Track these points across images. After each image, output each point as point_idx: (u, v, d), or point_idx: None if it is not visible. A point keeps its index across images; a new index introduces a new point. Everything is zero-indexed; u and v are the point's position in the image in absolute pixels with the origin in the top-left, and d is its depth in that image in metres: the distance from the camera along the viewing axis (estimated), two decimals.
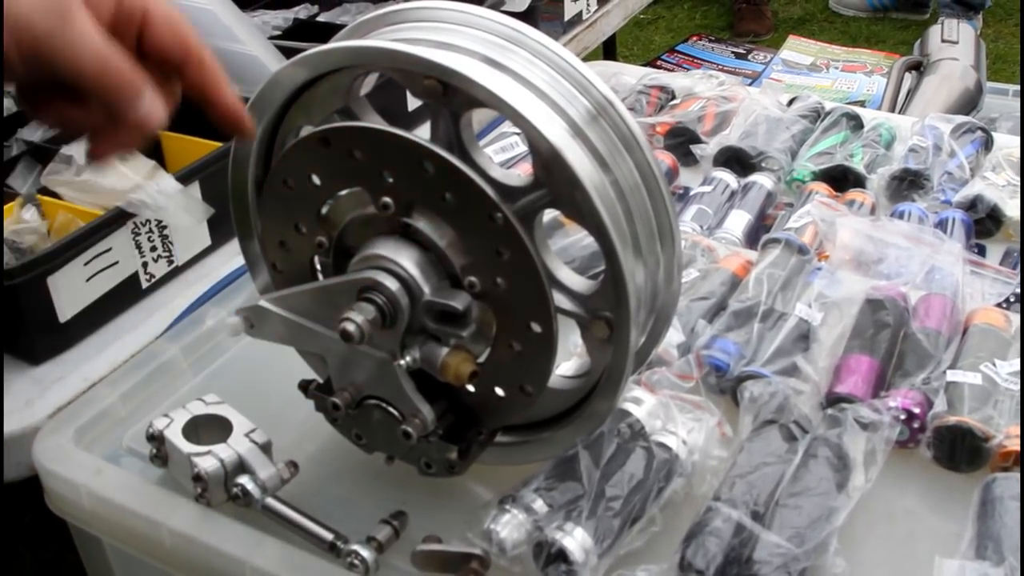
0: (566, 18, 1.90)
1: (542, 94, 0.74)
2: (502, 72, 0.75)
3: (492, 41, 0.77)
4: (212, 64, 0.73)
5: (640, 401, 0.89)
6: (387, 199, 0.75)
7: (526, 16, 1.70)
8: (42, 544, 1.32)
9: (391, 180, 0.75)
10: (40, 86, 0.68)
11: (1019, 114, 2.11)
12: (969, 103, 2.12)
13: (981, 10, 3.97)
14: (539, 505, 0.80)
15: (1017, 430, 0.87)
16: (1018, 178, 1.29)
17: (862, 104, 2.70)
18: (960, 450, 0.88)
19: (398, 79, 0.75)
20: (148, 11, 0.70)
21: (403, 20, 0.80)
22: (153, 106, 0.68)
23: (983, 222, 1.24)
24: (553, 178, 0.72)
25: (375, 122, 0.79)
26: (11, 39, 0.62)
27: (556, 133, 0.71)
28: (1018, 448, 0.86)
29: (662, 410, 0.89)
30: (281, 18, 1.67)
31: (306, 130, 0.80)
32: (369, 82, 0.80)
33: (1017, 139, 1.40)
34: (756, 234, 1.23)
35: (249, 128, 0.77)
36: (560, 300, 0.76)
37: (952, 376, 0.92)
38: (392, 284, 0.76)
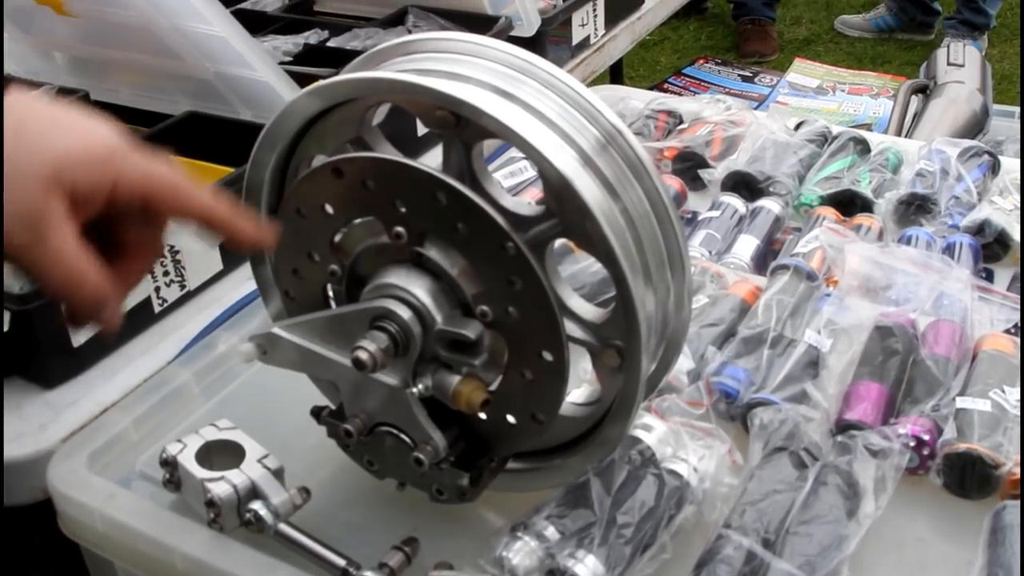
0: (574, 42, 1.90)
1: (552, 124, 0.75)
2: (512, 102, 0.75)
3: (502, 72, 0.78)
4: (221, 213, 0.73)
5: (651, 428, 0.89)
6: (400, 229, 0.76)
7: (534, 41, 1.71)
8: (52, 566, 1.32)
9: (404, 210, 0.75)
10: None
11: None
12: (976, 126, 2.12)
13: (986, 31, 3.98)
14: (551, 532, 0.80)
15: None
16: None
17: (868, 127, 2.71)
18: (970, 477, 0.88)
19: (410, 109, 0.76)
20: (149, 195, 0.69)
21: (415, 51, 0.81)
22: (111, 316, 0.69)
23: (991, 246, 1.24)
24: (564, 207, 0.73)
25: (388, 151, 0.80)
26: None
27: (566, 163, 0.72)
28: None
29: (673, 437, 0.89)
30: (291, 43, 1.68)
31: (319, 159, 0.81)
32: (382, 112, 0.81)
33: None
34: (764, 259, 1.23)
35: (267, 240, 0.78)
36: (571, 329, 0.76)
37: (962, 403, 0.93)
38: (405, 313, 0.76)
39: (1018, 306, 1.09)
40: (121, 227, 0.69)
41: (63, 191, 0.64)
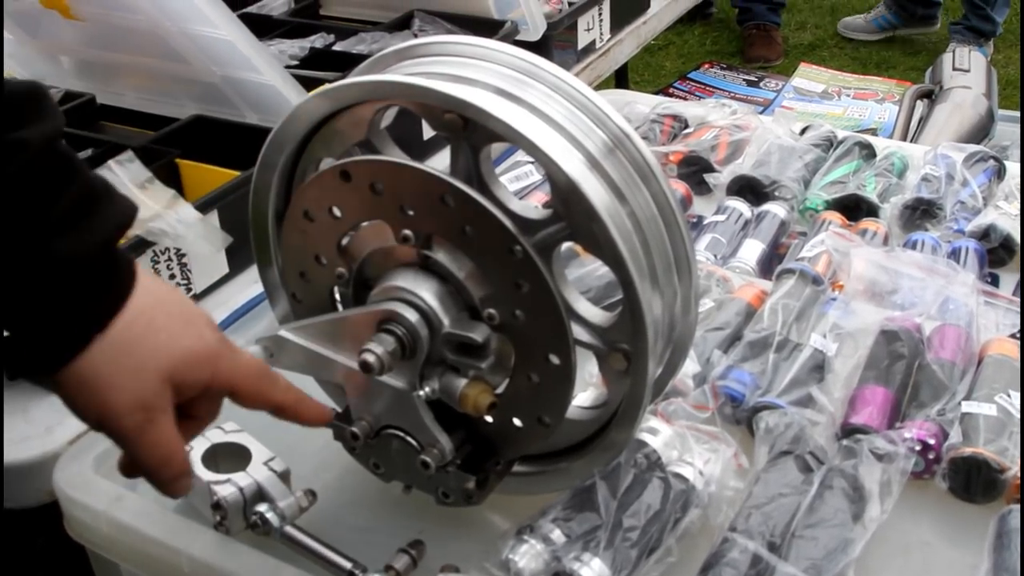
0: (580, 47, 1.91)
1: (559, 127, 0.75)
2: (520, 106, 0.76)
3: (510, 75, 0.78)
4: (293, 404, 0.79)
5: (656, 431, 0.89)
6: (407, 232, 0.76)
7: (540, 45, 1.71)
8: (59, 569, 1.32)
9: (411, 213, 0.76)
10: None
11: None
12: (981, 131, 2.12)
13: (992, 37, 3.98)
14: (557, 535, 0.80)
15: None
16: None
17: (874, 132, 2.71)
18: (975, 481, 0.88)
19: (418, 113, 0.76)
20: (234, 390, 0.76)
21: (423, 54, 0.81)
22: (179, 487, 0.74)
23: (996, 251, 1.24)
24: (571, 210, 0.73)
25: (395, 155, 0.80)
26: (95, 420, 0.68)
27: (574, 166, 0.72)
28: None
29: (678, 441, 0.89)
30: (297, 47, 1.68)
31: (327, 163, 0.81)
32: (389, 115, 0.81)
33: None
34: (769, 263, 1.23)
35: (328, 418, 0.82)
36: (578, 332, 0.77)
37: (967, 407, 0.93)
38: (412, 316, 0.76)
39: None
40: (195, 401, 0.74)
41: (173, 386, 0.70)
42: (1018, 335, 1.06)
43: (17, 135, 0.61)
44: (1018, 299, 1.13)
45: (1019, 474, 0.87)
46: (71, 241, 0.63)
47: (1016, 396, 0.93)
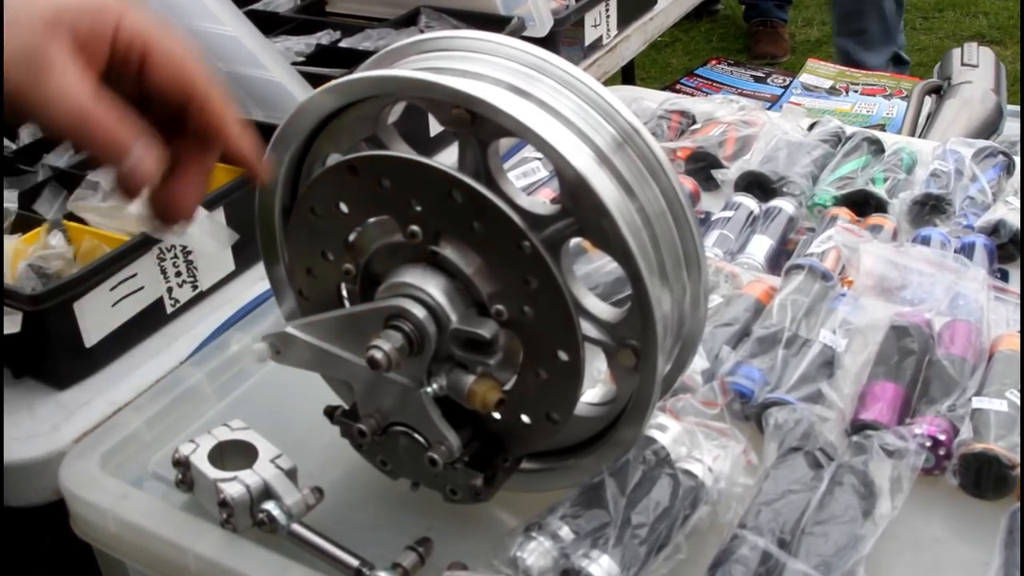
0: (586, 43, 1.90)
1: (568, 122, 0.75)
2: (529, 100, 0.75)
3: (518, 70, 0.77)
4: (218, 105, 0.70)
5: (665, 428, 0.89)
6: (415, 227, 0.76)
7: (547, 41, 1.71)
8: (64, 567, 1.32)
9: (419, 209, 0.75)
10: None
11: None
12: (990, 127, 2.11)
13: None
14: (565, 532, 0.80)
15: None
16: None
17: (882, 128, 2.70)
18: (986, 478, 0.88)
19: (426, 108, 0.76)
20: (148, 49, 0.67)
21: (430, 49, 0.81)
22: (140, 162, 0.66)
23: (1006, 247, 1.23)
24: (580, 206, 0.72)
25: (402, 150, 0.80)
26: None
27: (583, 161, 0.72)
28: None
29: (687, 437, 0.89)
30: (303, 44, 1.68)
31: (334, 158, 0.81)
32: (397, 110, 0.81)
33: None
34: (778, 259, 1.23)
35: (262, 172, 0.76)
36: (587, 328, 0.76)
37: (978, 403, 0.92)
38: (419, 312, 0.76)
39: None
40: (119, 75, 0.67)
41: (64, 32, 0.63)
42: None
43: None
44: None
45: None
46: None
47: None
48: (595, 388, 0.87)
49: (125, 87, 0.68)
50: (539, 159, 1.42)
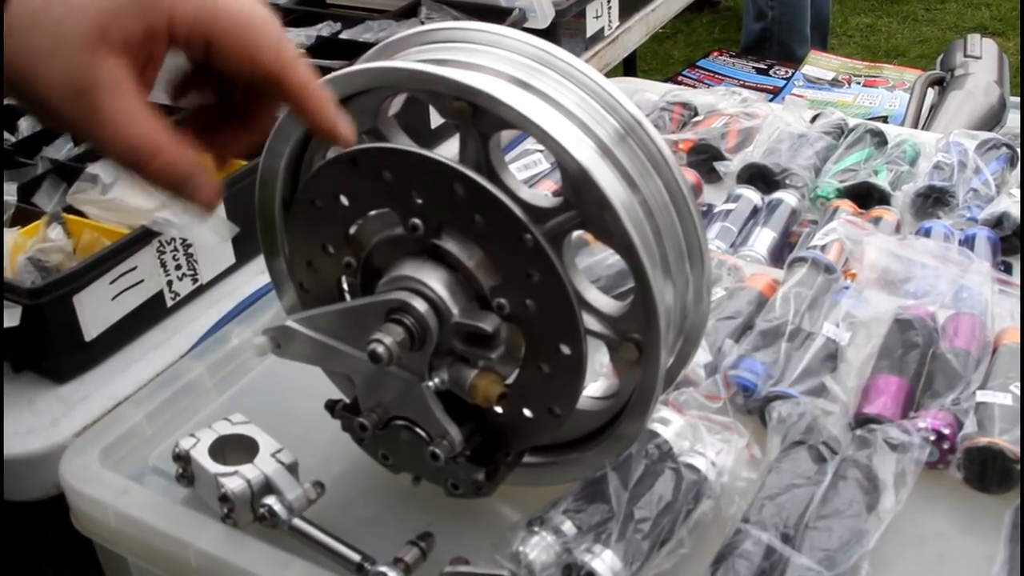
0: (588, 34, 1.90)
1: (570, 115, 0.74)
2: (531, 93, 0.75)
3: (520, 62, 0.77)
4: (293, 82, 0.66)
5: (668, 422, 0.88)
6: (416, 220, 0.75)
7: (548, 33, 1.70)
8: (65, 561, 1.32)
9: (420, 201, 0.75)
10: None
11: None
12: (993, 118, 2.11)
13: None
14: (568, 527, 0.80)
15: None
16: None
17: (884, 119, 2.70)
18: (991, 471, 0.87)
19: (426, 100, 0.75)
20: (211, 37, 0.62)
21: (431, 40, 0.80)
22: (197, 192, 0.62)
23: (1009, 239, 1.23)
24: (582, 199, 0.72)
25: (403, 142, 0.79)
26: (43, 119, 0.59)
27: (585, 154, 0.71)
28: None
29: (690, 431, 0.88)
30: (304, 35, 1.67)
31: (334, 151, 0.81)
32: (397, 102, 0.80)
33: None
34: (781, 252, 1.22)
35: (344, 139, 0.70)
36: (589, 322, 0.76)
37: (982, 396, 0.92)
38: (421, 306, 0.75)
39: None
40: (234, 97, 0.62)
41: (111, 46, 0.57)
42: None
43: None
44: None
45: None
46: None
47: None
48: (597, 382, 0.86)
49: (196, 60, 0.63)
50: (541, 151, 1.41)
